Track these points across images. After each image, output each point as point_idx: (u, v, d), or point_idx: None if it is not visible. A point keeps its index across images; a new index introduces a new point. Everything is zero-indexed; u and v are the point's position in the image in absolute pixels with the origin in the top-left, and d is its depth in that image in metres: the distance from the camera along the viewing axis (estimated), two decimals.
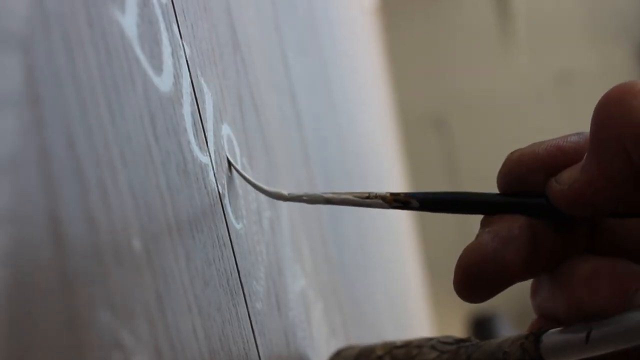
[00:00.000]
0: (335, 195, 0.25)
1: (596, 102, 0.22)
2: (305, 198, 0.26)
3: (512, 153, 0.24)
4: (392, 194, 0.24)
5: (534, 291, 0.25)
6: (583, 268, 0.23)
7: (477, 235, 0.24)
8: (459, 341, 0.26)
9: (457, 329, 1.96)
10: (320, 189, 0.54)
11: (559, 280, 0.23)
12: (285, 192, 0.27)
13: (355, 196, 0.25)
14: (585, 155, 0.22)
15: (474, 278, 0.23)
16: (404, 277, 1.40)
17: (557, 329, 0.23)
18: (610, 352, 0.21)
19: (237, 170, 0.28)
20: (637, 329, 0.21)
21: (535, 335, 0.23)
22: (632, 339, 0.21)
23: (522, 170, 0.23)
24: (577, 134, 0.23)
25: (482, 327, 1.96)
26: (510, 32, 2.32)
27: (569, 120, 2.18)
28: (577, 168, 0.22)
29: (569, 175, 0.22)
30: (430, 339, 0.27)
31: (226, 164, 0.28)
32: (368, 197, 0.24)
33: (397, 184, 1.75)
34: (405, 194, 0.24)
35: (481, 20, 2.33)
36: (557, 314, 0.23)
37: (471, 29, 2.34)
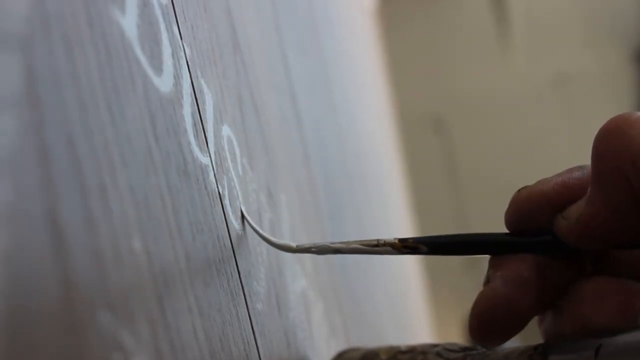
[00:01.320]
0: (344, 245, 0.26)
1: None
2: (314, 249, 0.26)
3: (519, 191, 0.24)
4: (400, 240, 0.25)
5: (541, 318, 0.25)
6: (589, 287, 0.23)
7: (487, 279, 0.24)
8: (464, 349, 0.26)
9: (456, 330, 1.96)
10: (320, 190, 0.54)
11: (565, 302, 0.24)
12: (293, 244, 0.27)
13: (364, 245, 0.25)
14: (589, 188, 0.22)
15: (489, 325, 0.23)
16: (404, 278, 1.40)
17: (566, 341, 0.23)
18: None
19: (250, 224, 0.29)
20: None
21: (543, 347, 0.23)
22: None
23: (531, 208, 0.24)
24: (580, 167, 0.24)
25: None
26: (508, 33, 2.32)
27: (567, 121, 2.18)
28: (582, 202, 0.23)
29: (575, 210, 0.23)
30: (435, 345, 0.27)
31: (227, 165, 0.28)
32: (377, 245, 0.25)
33: (397, 184, 1.75)
34: (414, 239, 0.25)
35: (480, 22, 2.33)
36: (564, 334, 0.24)
37: (470, 30, 2.34)
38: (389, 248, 0.25)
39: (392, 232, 1.33)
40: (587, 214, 0.22)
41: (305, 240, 0.42)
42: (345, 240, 0.26)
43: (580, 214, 0.22)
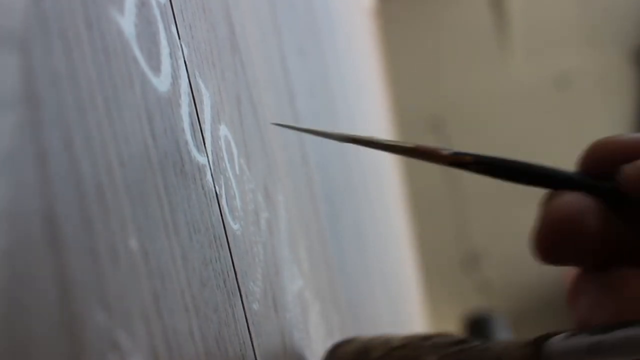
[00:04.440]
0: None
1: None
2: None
3: (596, 140, 0.23)
4: (454, 152, 0.24)
5: (575, 295, 0.23)
6: (636, 283, 0.22)
7: (552, 198, 0.22)
8: (458, 342, 0.26)
9: (453, 329, 1.97)
10: (319, 190, 0.54)
11: (608, 289, 0.22)
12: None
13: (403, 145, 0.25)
14: None
15: (559, 234, 0.22)
16: (402, 278, 1.40)
17: (561, 335, 0.23)
18: None
19: (283, 125, 0.28)
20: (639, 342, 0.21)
21: (539, 341, 0.23)
22: (635, 352, 0.21)
23: (604, 154, 0.23)
24: None
25: (478, 327, 1.96)
26: (507, 34, 2.32)
27: (566, 122, 2.19)
28: None
29: None
30: (427, 338, 0.27)
31: (224, 165, 0.28)
32: (415, 150, 0.24)
33: (395, 185, 1.75)
34: (469, 153, 0.24)
35: (479, 24, 2.33)
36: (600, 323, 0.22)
37: (469, 31, 2.34)
38: (444, 156, 0.24)
39: (391, 232, 1.33)
40: None
41: (302, 241, 0.42)
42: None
43: None
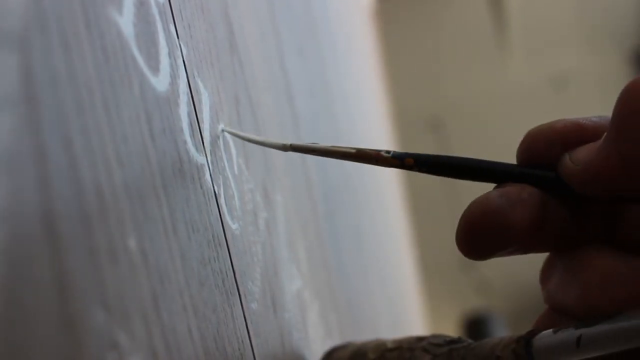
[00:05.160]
0: (340, 149, 0.25)
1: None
2: (308, 149, 0.26)
3: (531, 129, 0.24)
4: (395, 154, 0.24)
5: (545, 277, 0.24)
6: (599, 264, 0.22)
7: (487, 193, 0.23)
8: (450, 342, 0.26)
9: (451, 330, 1.97)
10: (317, 190, 0.54)
11: (573, 270, 0.23)
12: (287, 142, 0.26)
13: (361, 152, 0.25)
14: (604, 135, 0.22)
15: (476, 231, 0.22)
16: (400, 278, 1.40)
17: (549, 331, 0.23)
18: (602, 355, 0.21)
19: (232, 132, 0.28)
20: (627, 333, 0.21)
21: (526, 339, 0.23)
22: (623, 343, 0.21)
23: (539, 144, 0.23)
24: (600, 116, 0.23)
25: (476, 327, 1.96)
26: (505, 35, 2.32)
27: None
28: (593, 148, 0.22)
29: (584, 154, 0.22)
30: (421, 339, 0.27)
31: (223, 164, 0.28)
32: (376, 158, 0.25)
33: (394, 185, 1.75)
34: (410, 155, 0.24)
35: (477, 24, 2.34)
36: (567, 307, 0.23)
37: (467, 33, 2.35)
38: (386, 159, 0.24)
39: (390, 232, 1.33)
40: (597, 161, 0.21)
41: (301, 241, 0.42)
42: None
43: (591, 159, 0.22)
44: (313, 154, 0.26)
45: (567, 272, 0.23)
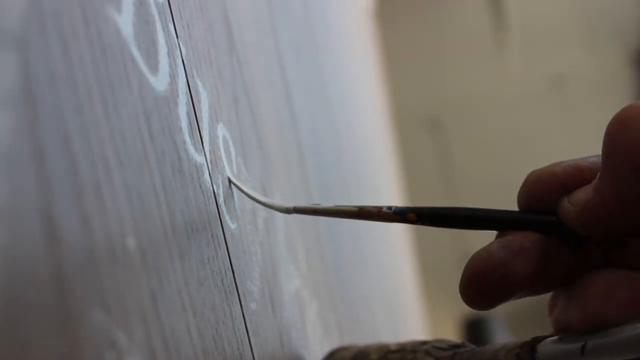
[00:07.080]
0: (341, 208, 0.26)
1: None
2: (311, 210, 0.26)
3: (531, 173, 0.24)
4: (396, 209, 0.25)
5: (551, 307, 0.25)
6: (598, 281, 0.22)
7: (489, 245, 0.24)
8: (453, 346, 0.26)
9: (450, 331, 1.97)
10: (315, 189, 0.54)
11: (574, 294, 0.23)
12: (290, 205, 0.27)
13: (362, 209, 0.25)
14: (598, 175, 0.22)
15: (479, 285, 0.23)
16: (399, 278, 1.41)
17: (553, 338, 0.23)
18: None
19: (238, 187, 0.28)
20: (632, 342, 0.21)
21: (530, 345, 0.23)
22: (627, 352, 0.21)
23: (540, 190, 0.24)
24: (598, 155, 0.23)
25: (475, 329, 1.96)
26: (504, 35, 2.32)
27: (563, 123, 2.19)
28: (590, 188, 0.22)
29: (581, 195, 0.22)
30: (424, 343, 0.27)
31: (222, 164, 0.28)
32: (378, 214, 0.25)
33: (392, 184, 1.75)
34: (411, 209, 0.24)
35: (476, 24, 2.34)
36: (572, 324, 0.23)
37: (466, 32, 2.35)
38: (388, 215, 0.24)
39: (389, 233, 1.33)
40: (593, 202, 0.22)
41: (300, 241, 0.42)
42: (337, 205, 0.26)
43: (586, 201, 0.22)
44: (316, 215, 0.26)
45: (570, 295, 0.23)
